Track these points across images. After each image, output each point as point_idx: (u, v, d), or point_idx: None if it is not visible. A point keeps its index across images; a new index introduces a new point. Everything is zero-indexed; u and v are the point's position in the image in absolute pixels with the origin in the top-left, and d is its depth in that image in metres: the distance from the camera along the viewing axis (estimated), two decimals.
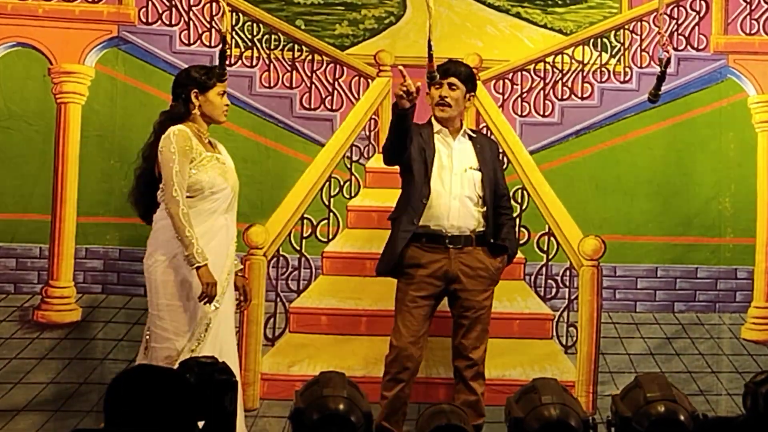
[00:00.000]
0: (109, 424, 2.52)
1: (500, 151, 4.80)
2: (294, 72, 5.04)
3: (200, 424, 2.87)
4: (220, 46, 4.31)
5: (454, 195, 4.44)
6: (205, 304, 4.11)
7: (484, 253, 4.45)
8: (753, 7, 5.17)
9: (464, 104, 4.53)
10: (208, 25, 5.01)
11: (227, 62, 4.86)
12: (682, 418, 3.17)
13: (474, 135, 4.60)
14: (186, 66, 4.66)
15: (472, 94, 4.56)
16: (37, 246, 4.83)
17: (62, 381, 4.79)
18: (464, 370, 4.46)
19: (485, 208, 4.47)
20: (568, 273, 5.05)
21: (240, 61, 5.01)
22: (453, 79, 4.47)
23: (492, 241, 4.47)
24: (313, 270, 4.98)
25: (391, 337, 4.46)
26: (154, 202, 4.27)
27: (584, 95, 5.13)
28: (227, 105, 4.34)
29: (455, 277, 4.42)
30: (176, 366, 3.94)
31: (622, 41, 5.14)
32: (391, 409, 4.40)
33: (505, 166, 5.04)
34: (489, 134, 5.01)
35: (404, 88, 4.18)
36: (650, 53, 5.11)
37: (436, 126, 4.53)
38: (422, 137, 4.48)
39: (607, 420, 3.28)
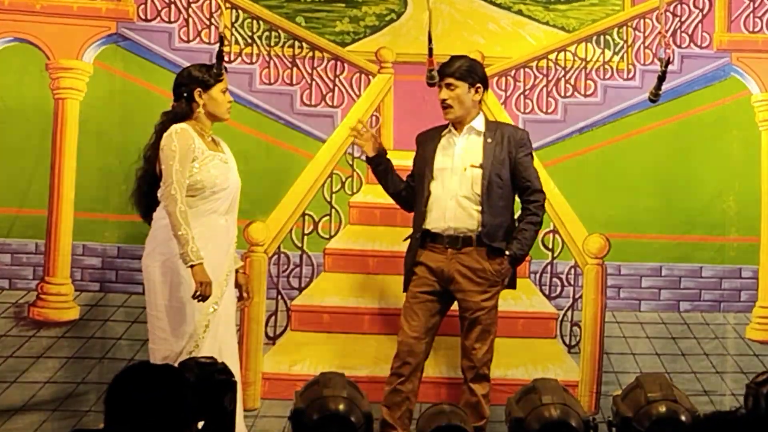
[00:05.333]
0: (109, 422, 2.49)
1: (526, 141, 4.48)
2: (294, 69, 5.01)
3: (200, 424, 2.83)
4: (218, 46, 4.26)
5: (451, 196, 4.38)
6: (198, 302, 4.08)
7: (484, 255, 4.37)
8: (756, 5, 5.16)
9: (472, 98, 4.45)
10: (208, 22, 4.98)
11: (227, 59, 4.86)
12: (683, 418, 3.15)
13: (484, 129, 4.45)
14: (185, 63, 4.65)
15: (479, 85, 4.46)
16: (33, 241, 4.79)
17: (60, 380, 4.75)
18: (466, 371, 4.42)
19: (481, 207, 4.37)
20: (572, 271, 5.03)
21: (240, 58, 4.99)
22: (449, 80, 4.42)
23: (492, 242, 4.36)
24: (315, 267, 4.95)
25: (398, 333, 4.45)
26: (155, 202, 4.25)
27: (587, 92, 5.10)
28: (230, 102, 4.34)
29: (451, 278, 4.38)
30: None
31: (625, 38, 5.12)
32: (390, 403, 4.37)
33: None
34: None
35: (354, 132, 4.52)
36: (653, 51, 5.09)
37: (449, 126, 4.49)
38: (428, 144, 4.48)
39: (607, 420, 3.26)
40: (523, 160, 4.43)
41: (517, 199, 4.49)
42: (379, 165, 4.53)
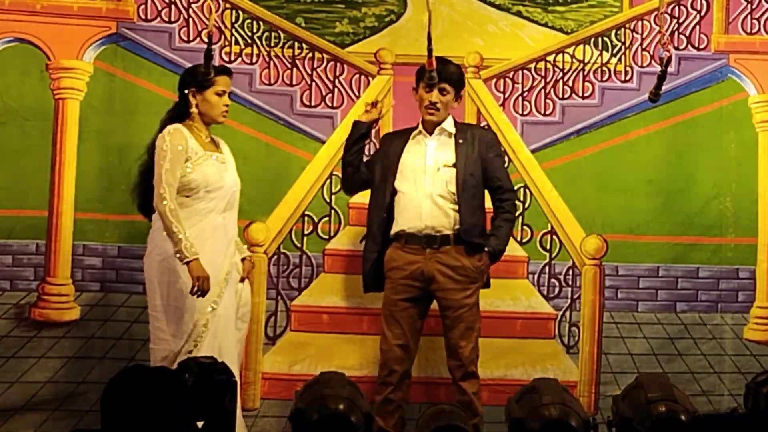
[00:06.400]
0: (105, 425, 2.51)
1: (496, 142, 4.58)
2: (294, 69, 5.02)
3: (200, 424, 2.85)
4: (207, 45, 4.25)
5: (425, 195, 4.39)
6: (197, 297, 4.08)
7: (462, 252, 4.39)
8: (754, 7, 5.18)
9: (453, 105, 4.49)
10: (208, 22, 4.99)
11: (227, 59, 4.88)
12: (683, 418, 3.16)
13: (456, 130, 4.48)
14: (185, 63, 4.66)
15: (461, 95, 4.52)
16: (33, 242, 4.80)
17: (61, 380, 4.76)
18: (454, 370, 4.43)
19: (458, 206, 4.39)
20: (570, 272, 5.04)
21: (240, 59, 4.99)
22: (445, 85, 4.42)
23: (471, 239, 4.38)
24: (315, 267, 4.96)
25: (380, 341, 4.45)
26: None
27: (585, 94, 5.12)
28: (227, 105, 4.29)
29: (432, 278, 4.39)
30: (174, 367, 3.93)
31: (622, 40, 5.14)
32: (383, 413, 4.37)
33: (506, 165, 5.02)
34: (486, 126, 4.96)
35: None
36: (651, 52, 5.11)
37: (418, 128, 4.49)
38: (393, 145, 4.49)
39: (607, 420, 3.27)
40: (494, 161, 4.48)
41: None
42: (362, 130, 4.49)
